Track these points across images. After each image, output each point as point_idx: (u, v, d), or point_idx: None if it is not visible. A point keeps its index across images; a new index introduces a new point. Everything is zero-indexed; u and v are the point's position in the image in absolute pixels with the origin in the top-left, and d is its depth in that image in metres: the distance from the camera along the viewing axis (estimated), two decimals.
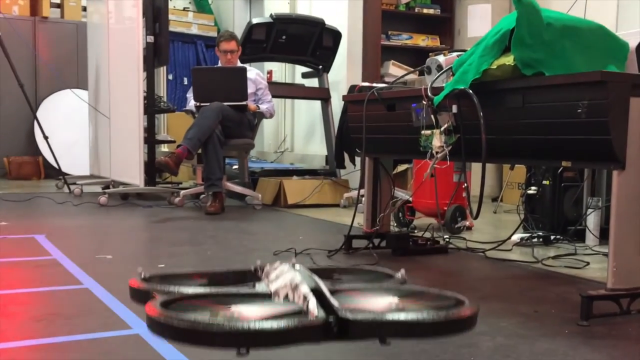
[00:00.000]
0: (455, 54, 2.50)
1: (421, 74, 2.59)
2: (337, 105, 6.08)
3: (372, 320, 1.17)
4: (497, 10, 6.12)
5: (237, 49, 4.92)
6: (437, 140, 2.31)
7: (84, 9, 6.99)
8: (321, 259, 2.79)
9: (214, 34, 8.19)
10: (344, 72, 6.07)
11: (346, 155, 5.24)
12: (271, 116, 5.14)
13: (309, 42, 5.68)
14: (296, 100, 6.77)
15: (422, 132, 2.39)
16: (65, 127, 6.66)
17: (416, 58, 6.28)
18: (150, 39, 4.84)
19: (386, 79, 6.01)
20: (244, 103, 4.64)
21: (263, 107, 4.98)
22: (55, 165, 5.69)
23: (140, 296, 1.32)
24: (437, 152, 2.33)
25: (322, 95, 5.91)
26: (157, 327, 1.10)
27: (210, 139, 4.40)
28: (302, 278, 1.26)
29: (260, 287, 1.35)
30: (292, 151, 7.03)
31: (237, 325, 1.08)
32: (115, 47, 5.18)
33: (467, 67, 2.10)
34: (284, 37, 5.55)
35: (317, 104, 6.19)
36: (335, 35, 5.76)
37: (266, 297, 1.30)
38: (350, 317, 1.14)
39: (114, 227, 3.76)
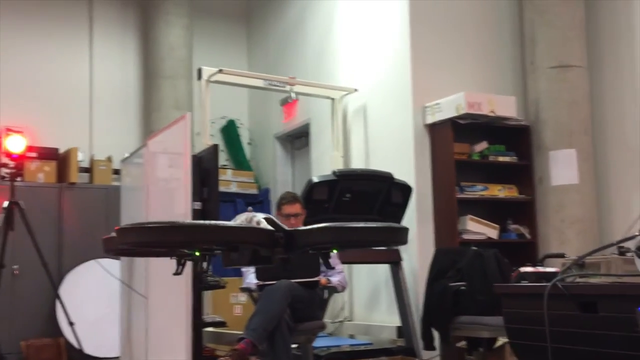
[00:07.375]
0: None
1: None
2: (408, 268, 5.22)
3: (312, 229, 1.89)
4: (583, 154, 5.38)
5: (301, 212, 4.15)
6: None
7: (115, 171, 6.39)
8: None
9: (253, 191, 7.56)
10: (414, 230, 5.21)
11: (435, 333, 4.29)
12: (343, 289, 4.25)
13: (376, 199, 4.94)
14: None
15: None
16: (92, 301, 5.87)
17: (493, 211, 5.48)
18: (198, 205, 4.09)
19: (464, 236, 5.19)
20: (315, 279, 3.79)
21: (334, 279, 4.11)
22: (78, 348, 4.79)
23: None
24: None
25: (393, 258, 5.07)
26: None
27: (278, 327, 3.49)
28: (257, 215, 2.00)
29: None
30: (351, 320, 6.05)
31: (207, 223, 1.82)
32: (156, 214, 4.44)
33: None
34: (348, 195, 4.80)
35: (379, 266, 5.34)
36: (405, 190, 5.02)
37: None
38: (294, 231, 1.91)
39: None
